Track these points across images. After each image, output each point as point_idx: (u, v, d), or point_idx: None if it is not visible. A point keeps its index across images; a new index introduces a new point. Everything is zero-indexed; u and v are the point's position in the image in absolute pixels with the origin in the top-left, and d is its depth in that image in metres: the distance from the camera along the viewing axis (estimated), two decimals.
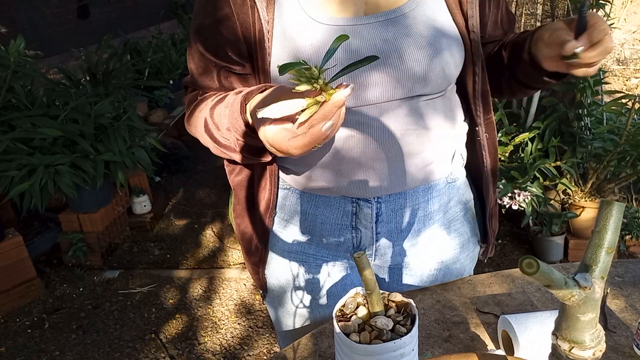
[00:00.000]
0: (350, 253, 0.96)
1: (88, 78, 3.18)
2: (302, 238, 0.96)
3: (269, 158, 0.82)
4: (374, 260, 0.97)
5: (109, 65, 3.21)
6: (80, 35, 4.59)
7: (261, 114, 0.59)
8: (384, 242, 0.93)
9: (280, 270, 0.99)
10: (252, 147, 0.77)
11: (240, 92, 0.79)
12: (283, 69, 0.56)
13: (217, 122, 0.81)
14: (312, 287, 0.98)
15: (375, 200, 0.88)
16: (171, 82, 4.36)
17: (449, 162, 0.93)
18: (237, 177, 0.97)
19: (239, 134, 0.76)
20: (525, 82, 0.90)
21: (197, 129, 0.88)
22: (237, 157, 0.83)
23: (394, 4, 0.80)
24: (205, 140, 0.87)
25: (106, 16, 5.12)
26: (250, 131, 0.74)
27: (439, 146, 0.88)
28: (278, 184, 0.92)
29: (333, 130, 0.60)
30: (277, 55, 0.80)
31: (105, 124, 2.65)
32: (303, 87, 0.57)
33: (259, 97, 0.71)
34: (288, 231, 0.96)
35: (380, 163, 0.84)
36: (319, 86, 0.57)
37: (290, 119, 0.63)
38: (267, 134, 0.65)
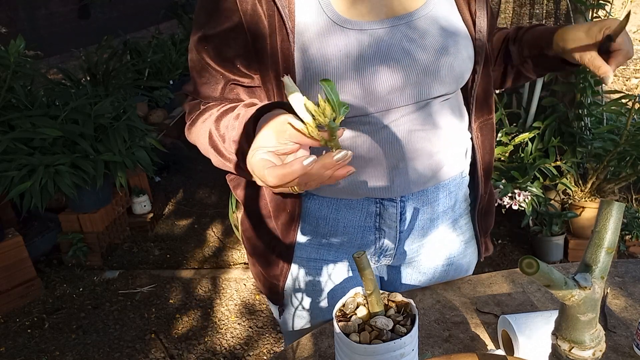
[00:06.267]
0: (371, 255, 0.95)
1: (88, 78, 3.18)
2: (322, 245, 0.95)
3: None
4: (393, 260, 0.97)
5: (109, 65, 3.21)
6: (80, 35, 4.59)
7: (291, 99, 0.58)
8: (405, 240, 0.94)
9: (298, 279, 0.98)
10: None
11: (253, 104, 0.77)
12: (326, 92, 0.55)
13: (222, 133, 0.78)
14: (330, 292, 0.97)
15: (400, 199, 0.88)
16: (171, 82, 4.35)
17: (462, 158, 0.94)
18: (242, 191, 0.94)
19: (246, 148, 0.71)
20: (540, 71, 0.97)
21: (199, 139, 0.85)
22: (240, 172, 0.79)
23: (409, 7, 0.81)
24: (208, 152, 0.83)
25: (107, 16, 5.12)
26: None
27: (454, 143, 0.90)
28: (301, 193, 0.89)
29: (313, 179, 0.57)
30: (299, 63, 0.77)
31: (105, 124, 2.64)
32: (311, 123, 0.57)
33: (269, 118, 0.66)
34: (306, 239, 0.95)
35: (404, 163, 0.85)
36: (326, 127, 0.57)
37: (281, 156, 0.62)
38: (253, 159, 0.62)
